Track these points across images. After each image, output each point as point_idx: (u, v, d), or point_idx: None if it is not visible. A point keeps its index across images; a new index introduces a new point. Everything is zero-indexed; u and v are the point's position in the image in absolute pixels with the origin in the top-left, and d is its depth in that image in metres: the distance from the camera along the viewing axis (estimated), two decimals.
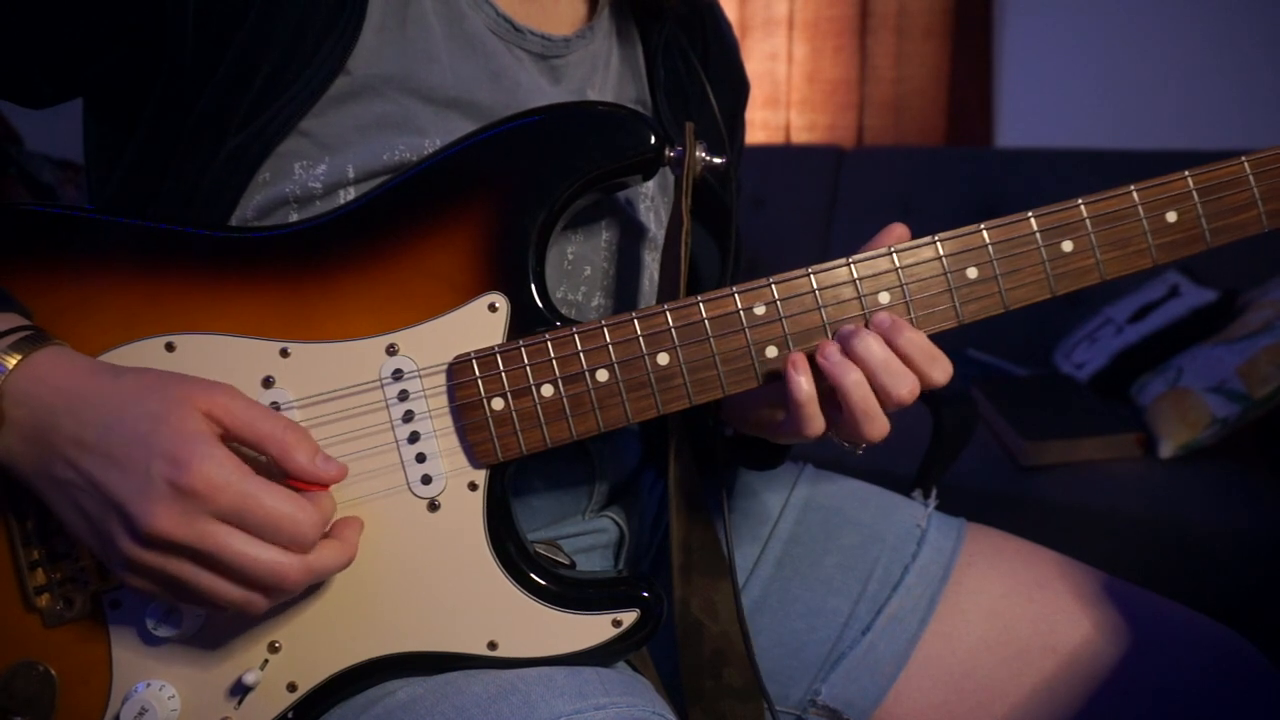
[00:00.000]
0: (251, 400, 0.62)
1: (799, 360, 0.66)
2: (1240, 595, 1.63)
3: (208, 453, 0.58)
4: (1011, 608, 0.83)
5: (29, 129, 2.38)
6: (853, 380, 0.65)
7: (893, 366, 0.65)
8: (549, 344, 0.67)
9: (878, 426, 0.66)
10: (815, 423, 0.67)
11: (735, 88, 0.94)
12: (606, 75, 0.82)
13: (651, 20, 0.85)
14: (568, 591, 0.68)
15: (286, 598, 0.62)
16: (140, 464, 0.57)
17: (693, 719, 0.75)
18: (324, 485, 0.62)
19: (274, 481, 0.60)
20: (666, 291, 0.73)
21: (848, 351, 0.65)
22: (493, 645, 0.67)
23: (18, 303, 0.64)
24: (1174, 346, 2.03)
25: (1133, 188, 0.68)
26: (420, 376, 0.67)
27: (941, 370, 0.66)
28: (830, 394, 0.67)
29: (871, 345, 0.65)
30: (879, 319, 0.66)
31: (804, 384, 0.66)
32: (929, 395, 1.23)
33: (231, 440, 0.60)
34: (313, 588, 0.65)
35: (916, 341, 0.66)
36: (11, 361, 0.60)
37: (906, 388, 0.65)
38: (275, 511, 0.58)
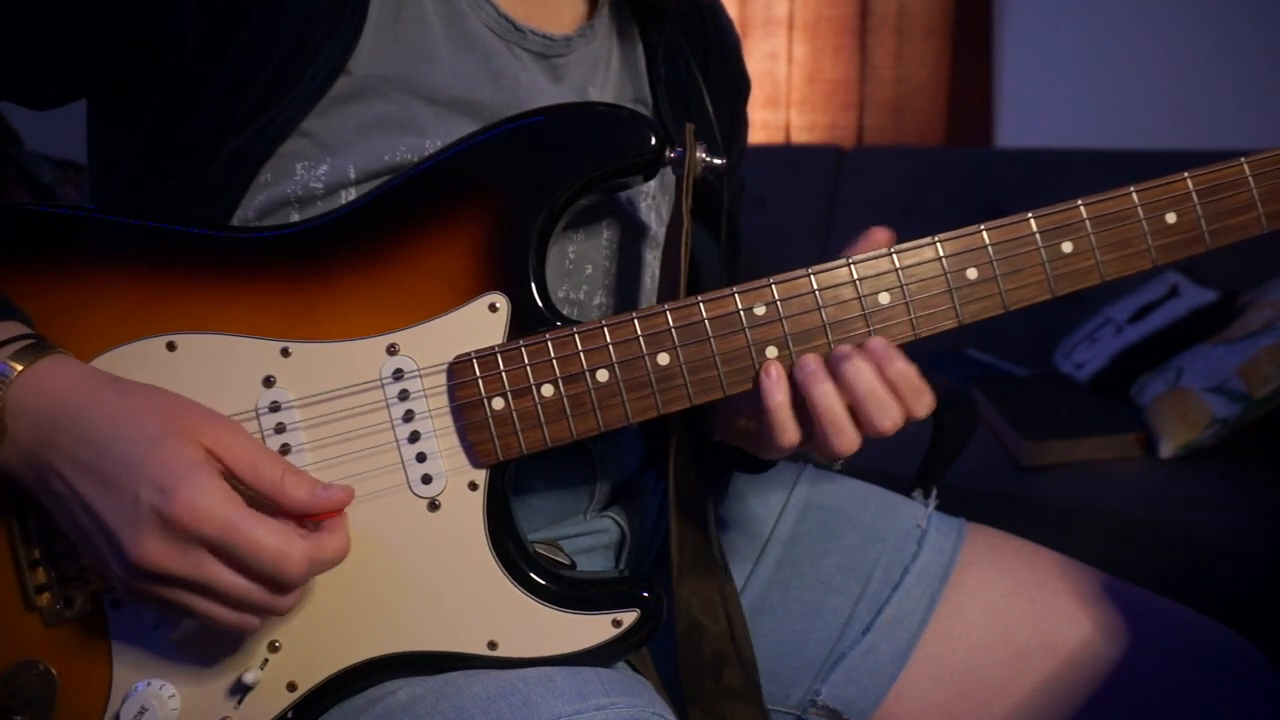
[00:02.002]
0: (254, 440, 0.62)
1: (773, 367, 0.66)
2: (1240, 595, 1.63)
3: (195, 483, 0.57)
4: (1011, 608, 0.83)
5: (29, 129, 2.38)
6: (822, 391, 0.65)
7: (880, 394, 0.65)
8: (549, 344, 0.67)
9: (846, 439, 0.66)
10: (787, 432, 0.67)
11: (736, 86, 0.94)
12: (607, 74, 0.82)
13: (651, 19, 0.85)
14: (568, 591, 0.68)
15: (280, 615, 0.62)
16: (130, 490, 0.57)
17: (693, 719, 0.75)
18: (332, 513, 0.62)
19: (268, 514, 0.59)
20: (666, 291, 0.73)
21: (837, 373, 0.65)
22: (493, 645, 0.67)
23: (20, 310, 0.64)
24: (1174, 346, 2.03)
25: (1132, 189, 0.68)
26: (420, 376, 0.67)
27: (924, 405, 0.66)
28: (804, 406, 0.66)
29: (863, 370, 0.65)
30: (873, 344, 0.66)
31: (775, 391, 0.66)
32: None
33: (231, 478, 0.60)
34: (312, 588, 0.65)
35: (906, 373, 0.65)
36: (14, 371, 0.60)
37: (890, 419, 0.65)
38: (260, 544, 0.58)
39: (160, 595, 0.59)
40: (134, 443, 0.58)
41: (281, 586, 0.60)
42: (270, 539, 0.58)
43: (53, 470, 0.59)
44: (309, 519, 0.61)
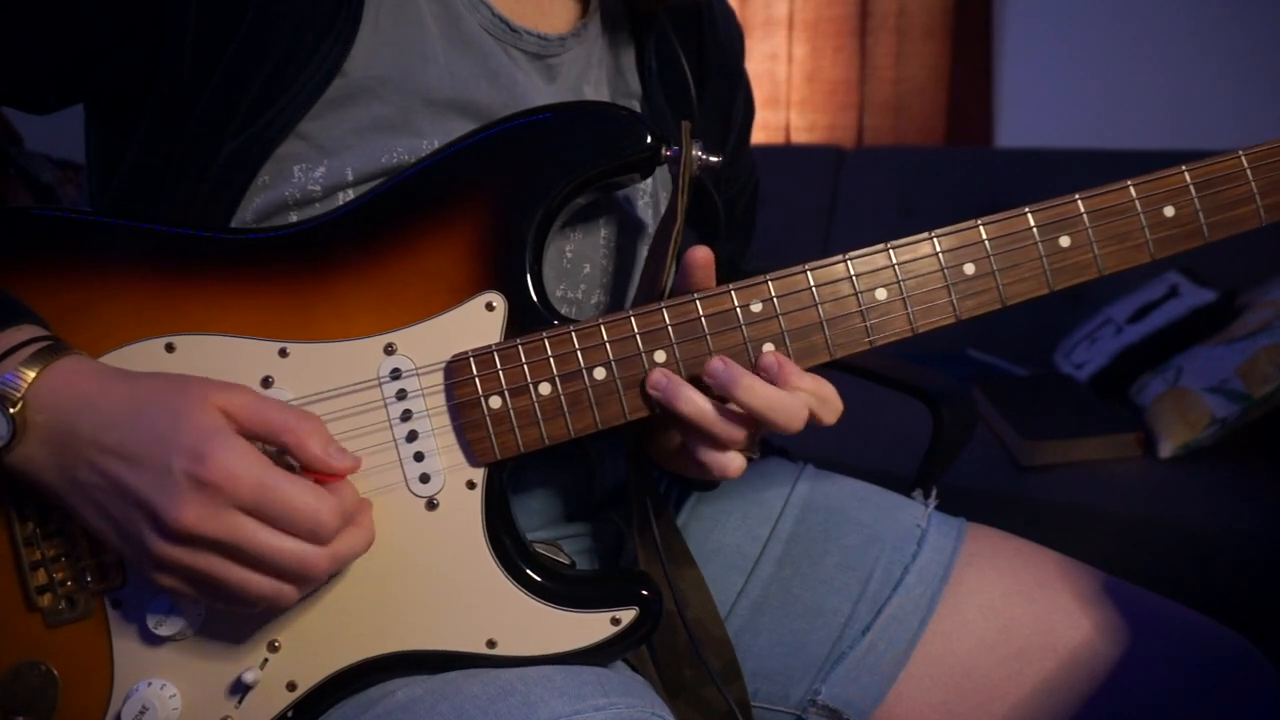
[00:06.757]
0: (263, 396, 0.63)
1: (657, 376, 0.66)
2: (1240, 595, 1.63)
3: (226, 445, 0.58)
4: (1011, 607, 0.83)
5: (29, 129, 2.38)
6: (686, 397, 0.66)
7: (722, 421, 0.65)
8: (546, 343, 0.67)
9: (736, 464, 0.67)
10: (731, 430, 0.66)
11: (732, 84, 0.93)
12: (601, 73, 0.82)
13: (644, 18, 0.85)
14: (566, 589, 0.68)
15: (314, 586, 0.63)
16: (161, 461, 0.58)
17: (676, 710, 0.75)
18: (339, 475, 0.62)
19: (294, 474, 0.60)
20: (647, 285, 0.72)
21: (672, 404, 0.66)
22: (491, 644, 0.67)
23: (36, 314, 0.65)
24: (1174, 346, 2.03)
25: (1130, 183, 0.68)
26: (418, 375, 0.67)
27: (795, 420, 0.65)
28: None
29: (698, 402, 0.65)
30: (712, 366, 0.66)
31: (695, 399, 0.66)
32: (929, 394, 1.24)
33: (247, 435, 0.61)
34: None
35: (756, 392, 0.65)
36: (33, 372, 0.61)
37: (742, 434, 0.66)
38: (294, 501, 0.59)
39: (195, 566, 0.59)
40: (158, 417, 0.59)
41: (319, 540, 0.60)
42: (304, 494, 0.59)
43: (77, 457, 0.60)
44: (319, 479, 0.61)
